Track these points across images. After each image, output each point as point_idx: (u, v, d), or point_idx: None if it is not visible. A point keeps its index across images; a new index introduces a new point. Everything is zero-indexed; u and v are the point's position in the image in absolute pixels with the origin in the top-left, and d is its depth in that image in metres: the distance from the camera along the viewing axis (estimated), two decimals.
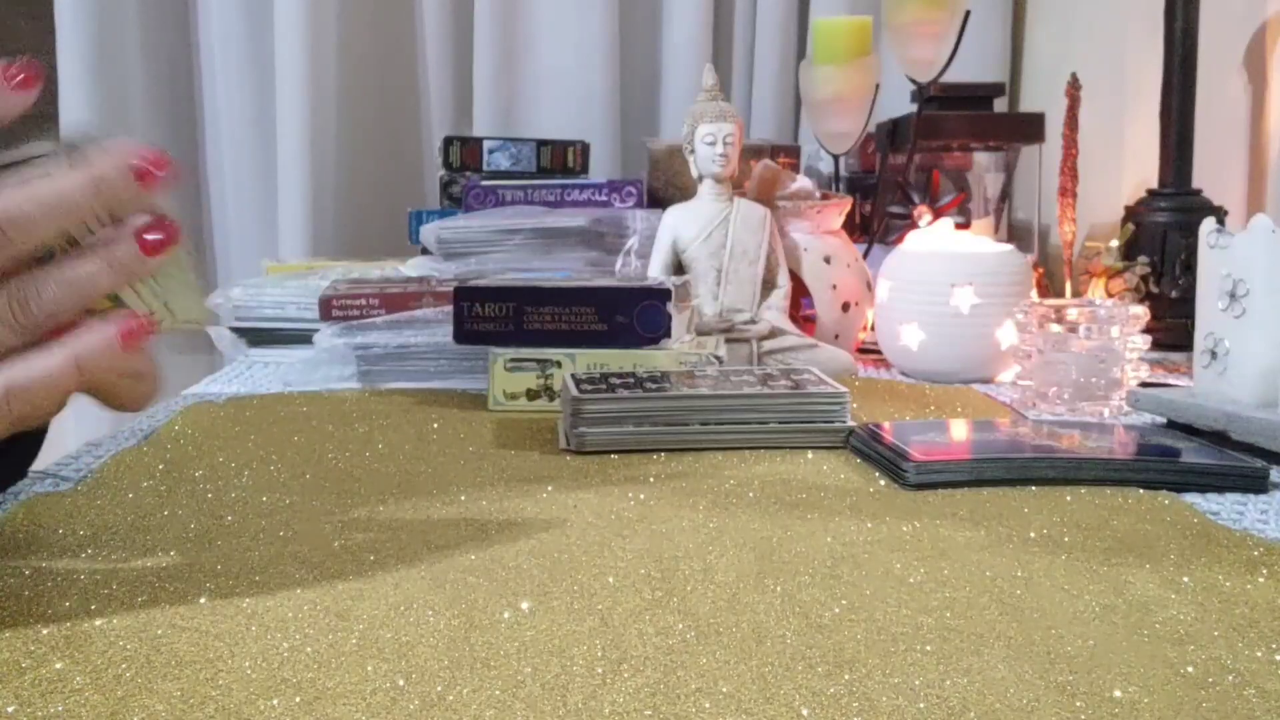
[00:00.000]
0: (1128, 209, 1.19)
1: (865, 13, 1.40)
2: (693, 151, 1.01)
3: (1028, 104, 1.62)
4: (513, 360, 0.84)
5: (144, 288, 0.45)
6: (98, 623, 0.43)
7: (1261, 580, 0.49)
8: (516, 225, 1.14)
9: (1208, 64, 1.14)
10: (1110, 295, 1.14)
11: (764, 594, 0.47)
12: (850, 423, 0.74)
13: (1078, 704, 0.37)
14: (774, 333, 1.00)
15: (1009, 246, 1.02)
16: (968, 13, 1.17)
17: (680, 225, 1.02)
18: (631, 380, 0.77)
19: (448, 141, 1.37)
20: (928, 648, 0.41)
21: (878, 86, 1.30)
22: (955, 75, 1.22)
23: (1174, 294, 1.12)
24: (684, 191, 1.16)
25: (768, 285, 1.03)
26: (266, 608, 0.45)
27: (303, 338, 1.06)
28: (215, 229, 1.74)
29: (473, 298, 0.86)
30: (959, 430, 0.74)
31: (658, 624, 0.44)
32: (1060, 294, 1.26)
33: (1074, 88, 1.23)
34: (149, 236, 0.41)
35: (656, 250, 1.03)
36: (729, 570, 0.50)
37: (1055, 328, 0.84)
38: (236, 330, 1.09)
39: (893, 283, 1.01)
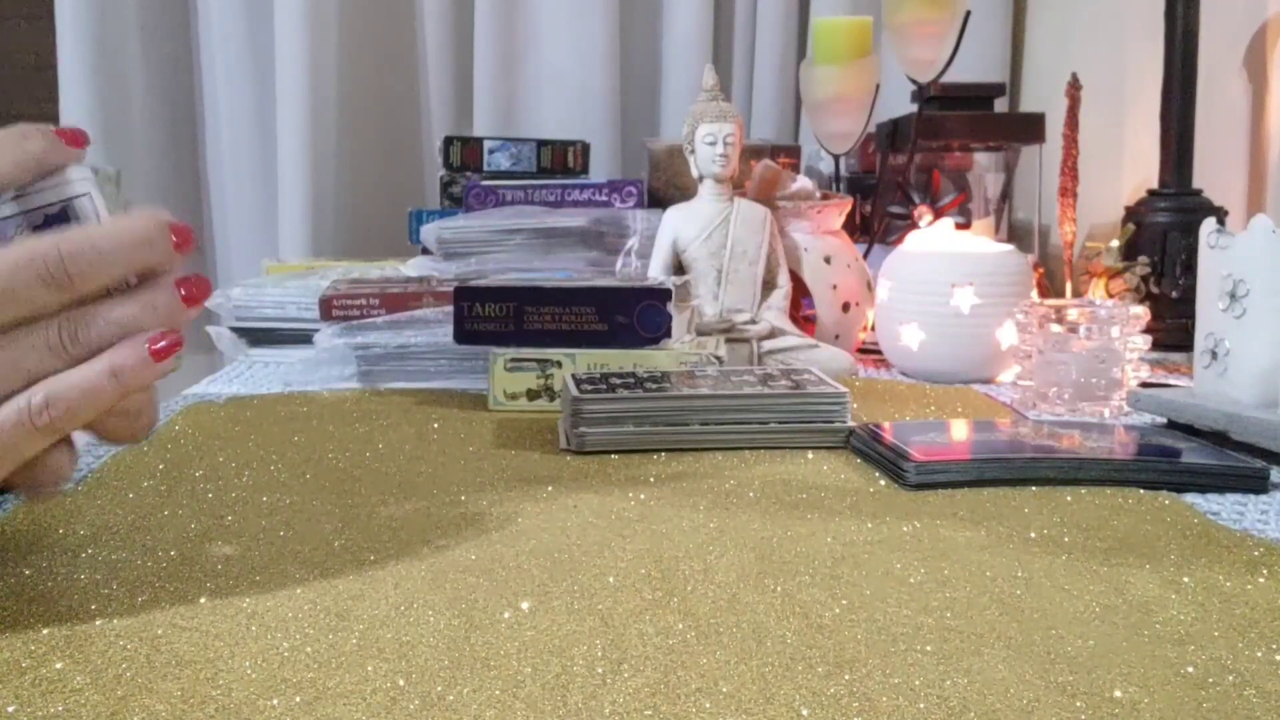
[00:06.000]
0: (1128, 209, 1.19)
1: (865, 13, 1.40)
2: (693, 151, 1.01)
3: (1028, 104, 1.62)
4: (513, 360, 0.84)
5: None
6: (98, 623, 0.43)
7: (1261, 580, 0.49)
8: (517, 225, 1.14)
9: (1208, 64, 1.14)
10: (1110, 295, 1.14)
11: (764, 594, 0.47)
12: (850, 423, 0.74)
13: (1078, 704, 0.37)
14: (774, 333, 1.00)
15: (1009, 246, 1.02)
16: (968, 13, 1.17)
17: (680, 225, 1.03)
18: (632, 380, 0.77)
19: (448, 141, 1.37)
20: (928, 648, 0.41)
21: (878, 86, 1.30)
22: (955, 75, 1.22)
23: (1174, 294, 1.12)
24: (684, 191, 1.16)
25: (768, 285, 1.03)
26: (266, 608, 0.45)
27: (303, 338, 1.05)
28: (215, 229, 1.74)
29: (473, 298, 0.86)
30: (959, 430, 0.74)
31: (658, 624, 0.44)
32: (1060, 294, 1.26)
33: (1074, 88, 1.23)
34: (186, 290, 0.46)
35: (657, 250, 1.03)
36: (729, 570, 0.50)
37: (1055, 328, 0.84)
38: (236, 330, 1.09)
39: (893, 283, 1.01)
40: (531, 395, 0.85)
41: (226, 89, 1.66)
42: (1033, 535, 0.55)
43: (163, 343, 0.45)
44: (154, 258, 0.45)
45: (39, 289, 0.43)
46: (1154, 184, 1.17)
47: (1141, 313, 0.84)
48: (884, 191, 1.33)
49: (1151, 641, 0.42)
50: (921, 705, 0.37)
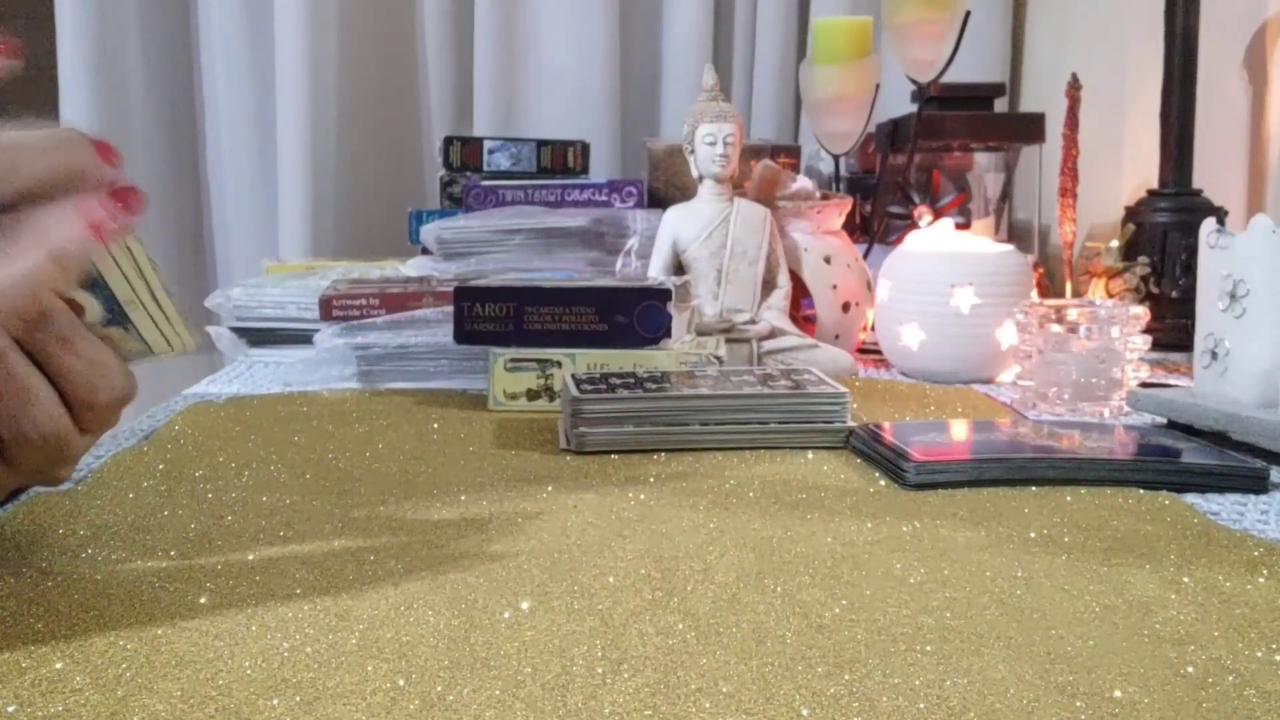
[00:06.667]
0: (1128, 209, 1.19)
1: (865, 13, 1.40)
2: (693, 151, 1.01)
3: (1028, 104, 1.62)
4: (513, 360, 0.84)
5: (155, 315, 0.48)
6: (98, 623, 0.43)
7: (1261, 580, 0.49)
8: (516, 225, 1.14)
9: (1208, 64, 1.14)
10: (1110, 295, 1.14)
11: (764, 594, 0.47)
12: (850, 423, 0.74)
13: (1078, 704, 0.37)
14: (774, 333, 1.00)
15: (1009, 247, 1.02)
16: (968, 13, 1.17)
17: (680, 225, 1.02)
18: (631, 380, 0.77)
19: (448, 141, 1.37)
20: (928, 648, 0.41)
21: (878, 86, 1.30)
22: (955, 75, 1.22)
23: (1174, 294, 1.12)
24: (684, 191, 1.16)
25: (768, 285, 1.03)
26: (266, 608, 0.45)
27: (303, 338, 1.05)
28: (215, 229, 1.74)
29: (473, 298, 0.86)
30: (959, 430, 0.74)
31: (658, 624, 0.44)
32: (1060, 294, 1.26)
33: (1074, 88, 1.23)
34: (117, 195, 0.45)
35: (657, 250, 1.03)
36: (729, 570, 0.50)
37: (1055, 328, 0.84)
38: (236, 330, 1.09)
39: (893, 283, 1.01)
40: (531, 395, 0.85)
41: (226, 89, 1.66)
42: (1033, 535, 0.55)
43: (97, 216, 0.44)
44: (74, 160, 0.44)
45: None
46: (1154, 184, 1.17)
47: (1141, 313, 0.84)
48: (884, 191, 1.33)
49: (1151, 641, 0.42)
50: (921, 705, 0.37)
